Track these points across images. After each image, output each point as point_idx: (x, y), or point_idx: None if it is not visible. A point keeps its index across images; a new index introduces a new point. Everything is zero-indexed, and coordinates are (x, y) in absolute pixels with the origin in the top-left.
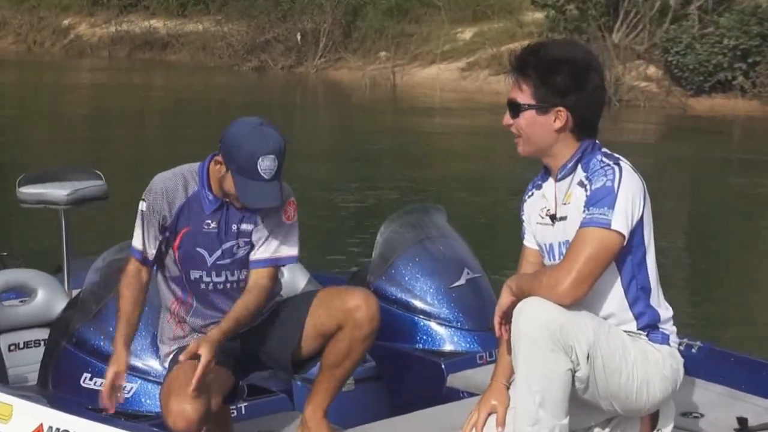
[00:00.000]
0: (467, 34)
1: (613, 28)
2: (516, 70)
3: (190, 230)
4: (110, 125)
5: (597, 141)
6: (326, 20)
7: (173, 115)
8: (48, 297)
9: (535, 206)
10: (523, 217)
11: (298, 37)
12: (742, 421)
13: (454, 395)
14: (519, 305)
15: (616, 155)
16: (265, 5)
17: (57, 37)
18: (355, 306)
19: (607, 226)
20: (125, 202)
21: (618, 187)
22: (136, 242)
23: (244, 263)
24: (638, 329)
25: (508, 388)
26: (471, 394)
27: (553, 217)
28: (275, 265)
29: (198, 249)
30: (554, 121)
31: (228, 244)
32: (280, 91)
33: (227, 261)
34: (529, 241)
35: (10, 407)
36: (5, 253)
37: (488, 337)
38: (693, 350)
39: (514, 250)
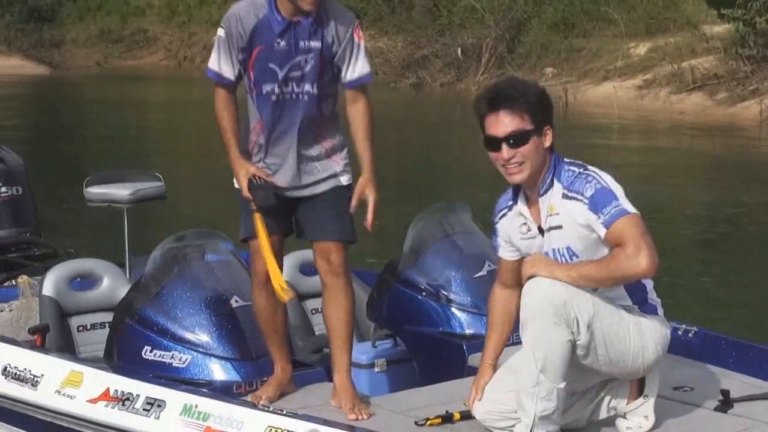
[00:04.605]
0: (641, 48)
1: None
2: (508, 102)
3: (263, 48)
4: None
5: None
6: (489, 35)
7: None
8: (112, 284)
9: (512, 224)
10: (499, 234)
11: (459, 52)
12: (724, 393)
13: (474, 373)
14: (527, 284)
15: (577, 161)
16: (423, 20)
17: (208, 52)
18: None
19: (626, 212)
20: None
21: (606, 183)
22: (212, 63)
23: (309, 77)
24: (633, 304)
25: (494, 367)
26: None
27: (540, 230)
28: (367, 81)
29: (270, 65)
30: (545, 140)
31: (297, 59)
32: (439, 109)
33: (296, 74)
34: (505, 255)
35: (81, 374)
36: (71, 251)
37: None
38: (690, 335)
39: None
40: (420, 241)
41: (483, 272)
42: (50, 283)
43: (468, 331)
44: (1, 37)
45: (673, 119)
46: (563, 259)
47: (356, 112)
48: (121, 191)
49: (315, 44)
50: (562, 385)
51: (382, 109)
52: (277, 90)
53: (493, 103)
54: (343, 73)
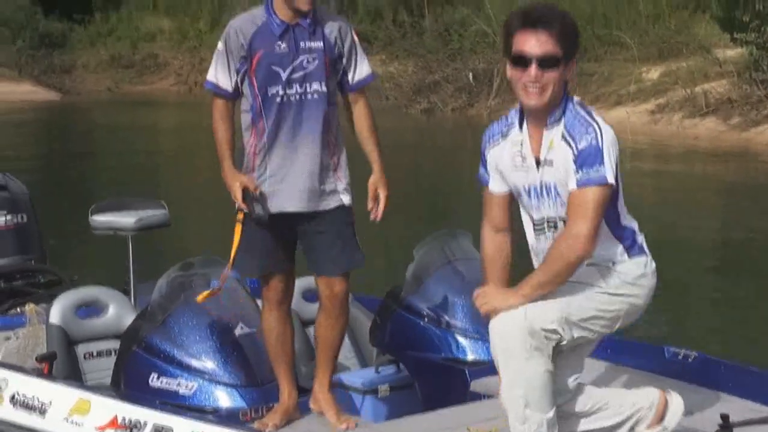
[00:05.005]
0: (654, 73)
1: None
2: (547, 23)
3: (264, 52)
4: None
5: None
6: (500, 59)
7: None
8: (118, 311)
9: (503, 153)
10: (488, 163)
11: (470, 77)
12: (724, 417)
13: (477, 399)
14: (490, 324)
15: (587, 106)
16: (434, 44)
17: None
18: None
19: (603, 182)
20: None
21: (602, 143)
22: (210, 75)
23: (313, 76)
24: (624, 248)
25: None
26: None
27: (537, 161)
28: (371, 81)
29: (273, 67)
30: (567, 73)
31: (298, 60)
32: (451, 134)
33: (299, 74)
34: (494, 187)
35: (89, 402)
36: (75, 277)
37: None
38: (689, 360)
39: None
40: (422, 268)
41: None
42: (57, 311)
43: (470, 357)
44: (12, 62)
45: (687, 144)
46: (549, 195)
47: (360, 112)
48: (125, 219)
49: (317, 44)
50: (551, 413)
51: (393, 134)
52: (281, 92)
53: (532, 21)
54: (349, 76)
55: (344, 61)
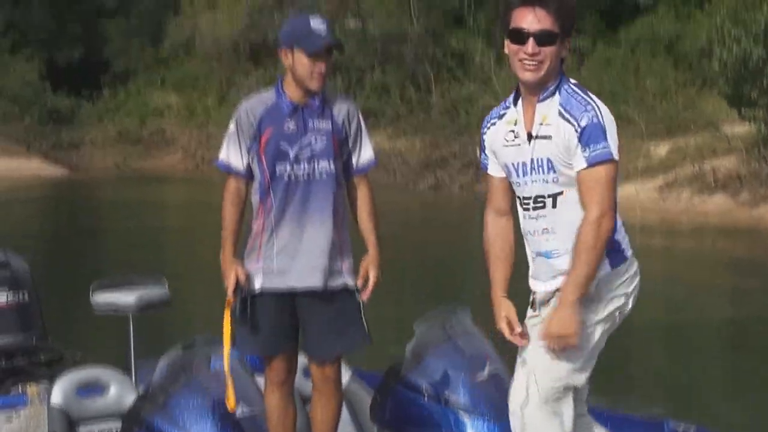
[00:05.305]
0: (662, 149)
1: None
2: (542, 1)
3: (273, 130)
4: None
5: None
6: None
7: None
8: (119, 392)
9: (498, 133)
10: (486, 145)
11: (477, 152)
12: None
13: None
14: (510, 396)
15: (581, 86)
16: (441, 120)
17: None
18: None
19: (611, 157)
20: None
21: (603, 120)
22: (222, 155)
23: (321, 155)
24: (605, 254)
25: (507, 298)
26: None
27: (529, 136)
28: (374, 165)
29: (281, 145)
30: (563, 50)
31: (306, 139)
32: (458, 211)
33: (306, 153)
34: (493, 171)
35: None
36: (79, 353)
37: (507, 426)
38: None
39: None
40: (422, 345)
41: (484, 375)
42: (58, 392)
43: None
44: (21, 138)
45: (696, 221)
46: (541, 170)
47: (363, 195)
48: (126, 299)
49: (325, 125)
50: None
51: (400, 211)
52: (288, 169)
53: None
54: (354, 159)
55: (350, 143)
